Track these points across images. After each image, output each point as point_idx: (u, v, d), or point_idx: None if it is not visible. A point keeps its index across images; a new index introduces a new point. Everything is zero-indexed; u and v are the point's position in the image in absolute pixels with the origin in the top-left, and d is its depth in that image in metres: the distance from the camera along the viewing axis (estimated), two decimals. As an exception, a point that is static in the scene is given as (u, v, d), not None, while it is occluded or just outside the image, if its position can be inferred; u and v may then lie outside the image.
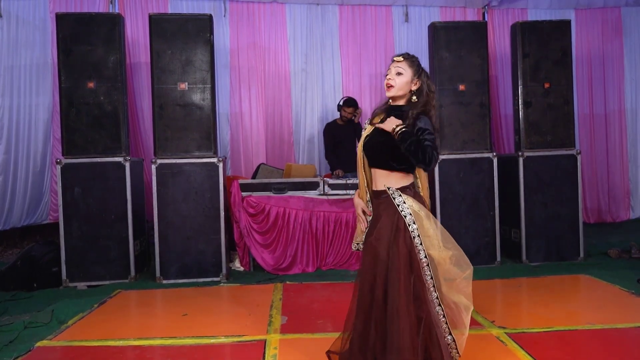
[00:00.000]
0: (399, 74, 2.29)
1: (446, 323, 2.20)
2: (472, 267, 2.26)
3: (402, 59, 2.32)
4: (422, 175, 2.39)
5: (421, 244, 2.18)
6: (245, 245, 4.84)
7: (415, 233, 2.18)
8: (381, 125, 2.28)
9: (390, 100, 2.37)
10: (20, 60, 5.53)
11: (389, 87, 2.31)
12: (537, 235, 4.94)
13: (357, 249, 2.47)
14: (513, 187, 5.01)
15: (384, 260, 2.19)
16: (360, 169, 2.42)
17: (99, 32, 4.55)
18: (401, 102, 2.34)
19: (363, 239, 2.40)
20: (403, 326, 2.09)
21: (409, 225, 2.19)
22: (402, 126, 2.20)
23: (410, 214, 2.20)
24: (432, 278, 2.18)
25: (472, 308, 2.24)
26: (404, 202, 2.22)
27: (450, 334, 2.20)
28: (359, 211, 2.42)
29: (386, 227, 2.22)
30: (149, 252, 5.07)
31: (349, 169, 5.31)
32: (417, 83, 2.31)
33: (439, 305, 2.18)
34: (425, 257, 2.18)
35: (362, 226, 2.41)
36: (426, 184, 2.42)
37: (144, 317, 3.69)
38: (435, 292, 2.18)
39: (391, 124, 2.24)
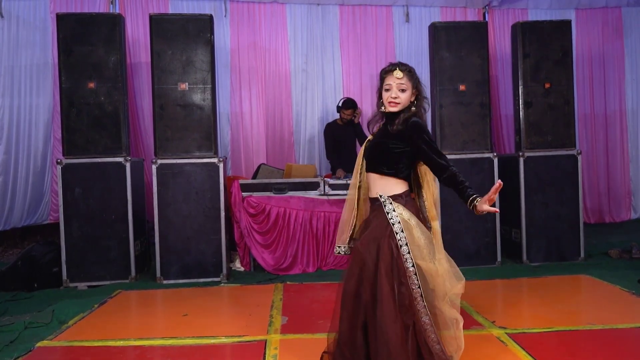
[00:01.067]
0: (402, 90, 2.28)
1: (434, 332, 2.18)
2: (464, 279, 2.24)
3: (402, 74, 2.27)
4: (430, 180, 2.35)
5: (409, 252, 2.16)
6: (245, 246, 4.84)
7: (403, 241, 2.17)
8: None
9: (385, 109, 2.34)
10: (20, 61, 5.54)
11: (395, 104, 2.28)
12: (537, 236, 4.94)
13: (339, 253, 2.45)
14: (513, 187, 5.00)
15: (370, 266, 2.19)
16: (356, 174, 2.43)
17: (99, 32, 4.55)
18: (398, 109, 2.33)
19: (346, 244, 2.41)
20: (390, 333, 2.10)
21: (397, 233, 2.19)
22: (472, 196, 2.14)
23: (399, 222, 2.20)
24: (419, 287, 2.16)
25: (462, 322, 2.22)
26: (394, 210, 2.22)
27: (438, 343, 2.17)
28: None
29: (374, 234, 2.23)
30: (150, 252, 5.07)
31: (350, 169, 5.29)
32: (415, 93, 2.32)
33: (427, 315, 2.16)
34: (413, 266, 2.16)
35: None
36: (432, 190, 2.36)
37: (145, 317, 3.69)
38: (423, 301, 2.16)
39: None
